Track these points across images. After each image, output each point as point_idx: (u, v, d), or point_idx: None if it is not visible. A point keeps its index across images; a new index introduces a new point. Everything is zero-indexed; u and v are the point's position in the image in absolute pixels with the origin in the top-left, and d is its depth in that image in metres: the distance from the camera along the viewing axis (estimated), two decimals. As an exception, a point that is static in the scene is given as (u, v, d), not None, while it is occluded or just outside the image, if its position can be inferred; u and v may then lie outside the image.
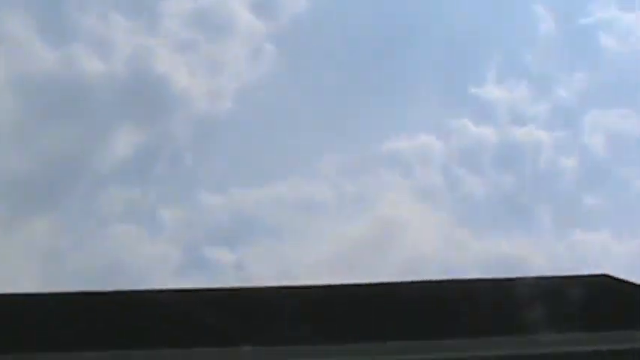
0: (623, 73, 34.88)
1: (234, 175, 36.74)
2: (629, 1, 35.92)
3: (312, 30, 35.22)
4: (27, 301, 15.68)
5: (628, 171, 32.82)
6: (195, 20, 37.33)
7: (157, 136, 39.68)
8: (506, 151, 32.86)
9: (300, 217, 34.61)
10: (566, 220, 30.37)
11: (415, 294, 16.21)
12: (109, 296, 16.28)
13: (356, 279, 17.21)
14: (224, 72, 39.91)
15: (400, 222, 31.03)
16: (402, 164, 33.44)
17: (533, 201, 31.73)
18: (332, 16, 35.06)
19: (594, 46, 35.03)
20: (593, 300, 14.56)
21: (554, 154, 34.12)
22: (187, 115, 39.09)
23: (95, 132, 38.63)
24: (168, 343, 13.41)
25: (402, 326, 14.27)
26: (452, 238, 30.27)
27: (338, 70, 34.13)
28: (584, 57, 35.04)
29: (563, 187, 32.90)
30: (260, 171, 36.21)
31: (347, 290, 16.39)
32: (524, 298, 15.85)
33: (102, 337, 13.68)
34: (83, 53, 38.15)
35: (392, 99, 32.89)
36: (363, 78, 33.31)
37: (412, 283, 16.93)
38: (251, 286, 17.80)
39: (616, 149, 33.15)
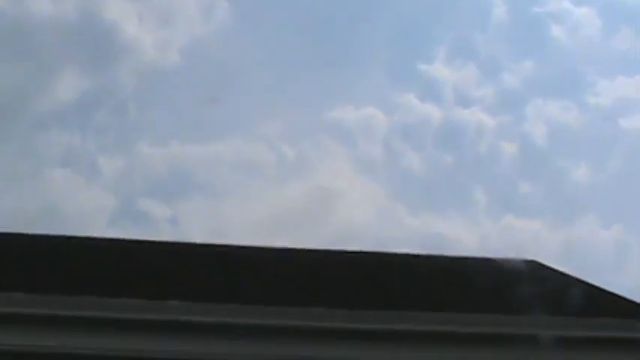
0: (568, 65, 35.39)
1: (177, 130, 36.42)
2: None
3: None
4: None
5: (565, 162, 33.37)
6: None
7: (102, 83, 39.08)
8: (448, 131, 33.16)
9: (238, 178, 34.57)
10: (500, 205, 30.77)
11: (345, 264, 16.35)
12: (40, 239, 16.17)
13: (288, 243, 17.31)
14: (174, 24, 39.51)
15: (337, 191, 31.20)
16: (345, 134, 33.64)
17: (471, 182, 32.10)
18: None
19: (544, 37, 35.42)
20: (519, 283, 14.77)
21: (495, 138, 34.51)
22: (134, 65, 38.59)
23: (39, 73, 37.85)
24: (93, 291, 13.37)
25: (327, 294, 14.39)
26: (387, 212, 30.55)
27: (290, 34, 34.06)
28: (534, 46, 35.38)
29: (501, 171, 33.29)
30: (203, 127, 36.00)
31: (276, 253, 16.50)
32: (451, 276, 16.07)
33: (27, 280, 13.62)
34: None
35: (342, 69, 33.00)
36: (315, 45, 33.33)
37: (342, 252, 17.06)
38: (184, 241, 17.82)
39: (555, 140, 33.62)
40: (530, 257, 17.02)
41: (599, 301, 14.53)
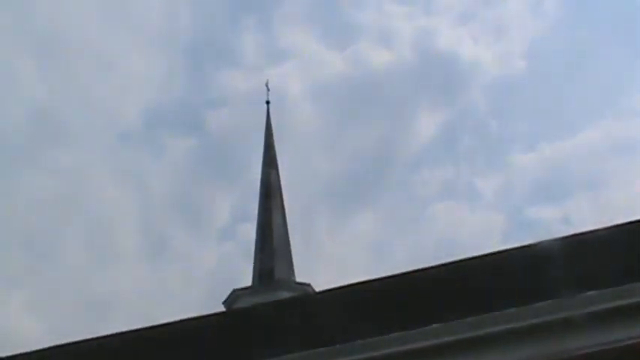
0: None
1: (541, 131, 40.71)
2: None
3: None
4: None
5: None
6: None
7: (456, 110, 43.89)
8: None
9: (615, 161, 39.74)
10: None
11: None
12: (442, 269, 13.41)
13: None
14: (508, 33, 43.86)
15: None
16: None
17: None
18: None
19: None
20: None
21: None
22: (481, 84, 43.86)
23: (394, 121, 42.62)
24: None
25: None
26: None
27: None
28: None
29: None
30: (567, 121, 40.30)
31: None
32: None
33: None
34: (367, 48, 42.53)
35: None
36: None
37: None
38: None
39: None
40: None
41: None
